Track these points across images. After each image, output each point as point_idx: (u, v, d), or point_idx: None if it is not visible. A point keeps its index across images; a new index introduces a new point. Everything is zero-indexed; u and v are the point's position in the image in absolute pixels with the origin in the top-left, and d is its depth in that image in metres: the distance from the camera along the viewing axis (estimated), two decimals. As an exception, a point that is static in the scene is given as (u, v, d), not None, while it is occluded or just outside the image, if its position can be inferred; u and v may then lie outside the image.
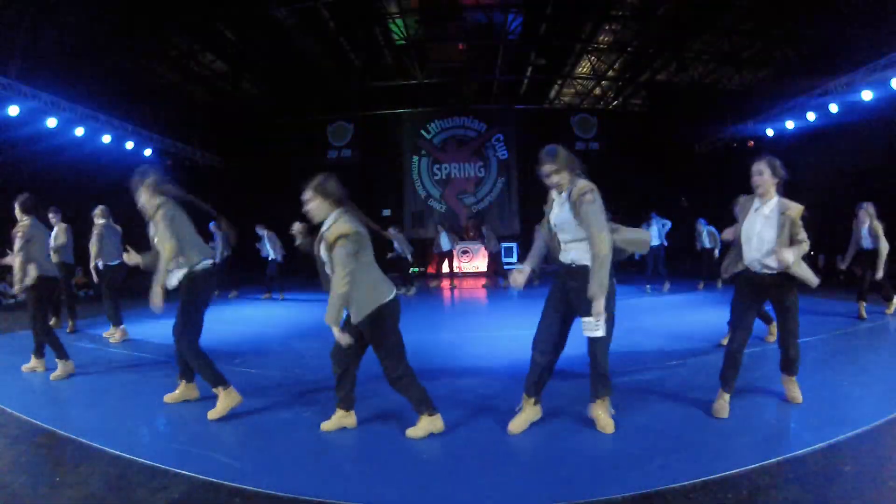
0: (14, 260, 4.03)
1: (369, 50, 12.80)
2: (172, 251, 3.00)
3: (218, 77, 13.67)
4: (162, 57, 12.07)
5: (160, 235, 3.03)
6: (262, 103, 15.37)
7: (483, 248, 10.85)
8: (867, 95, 8.57)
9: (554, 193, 2.78)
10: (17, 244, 4.05)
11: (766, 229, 2.90)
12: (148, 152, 11.39)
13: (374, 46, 12.61)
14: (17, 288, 4.09)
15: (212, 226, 8.99)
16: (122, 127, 10.44)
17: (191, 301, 3.14)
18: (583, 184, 2.62)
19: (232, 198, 15.15)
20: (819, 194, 11.83)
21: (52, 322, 6.01)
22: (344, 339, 2.52)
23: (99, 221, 5.81)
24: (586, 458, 2.40)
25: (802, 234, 2.82)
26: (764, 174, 2.97)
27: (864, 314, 5.58)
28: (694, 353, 4.33)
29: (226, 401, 3.00)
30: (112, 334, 5.55)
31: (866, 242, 5.66)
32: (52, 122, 8.71)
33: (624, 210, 14.94)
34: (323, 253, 2.62)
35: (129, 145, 10.67)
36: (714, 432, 2.64)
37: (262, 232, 9.28)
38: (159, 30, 10.70)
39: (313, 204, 2.65)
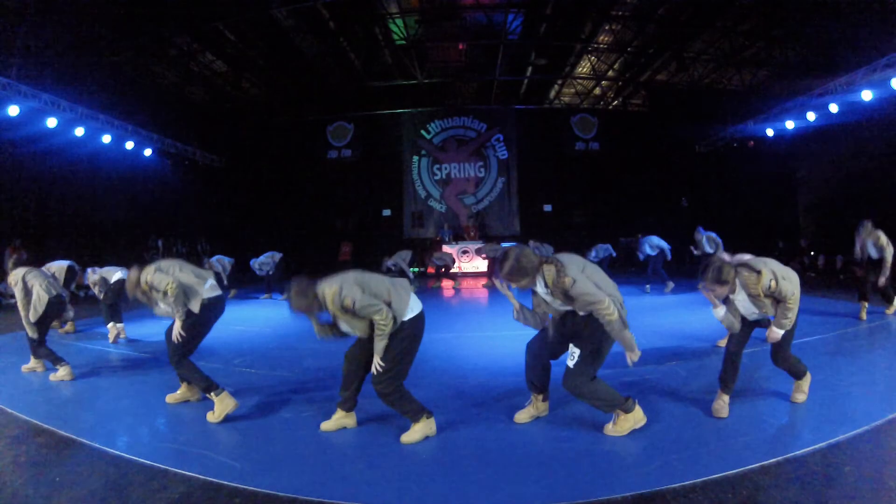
0: (20, 307, 4.02)
1: (369, 50, 12.80)
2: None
3: (218, 77, 13.68)
4: (162, 57, 12.07)
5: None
6: (262, 103, 15.38)
7: (483, 254, 10.96)
8: (867, 95, 8.57)
9: (535, 288, 2.67)
10: (18, 295, 4.04)
11: (749, 308, 2.88)
12: (148, 152, 11.39)
13: (374, 46, 12.62)
14: (28, 323, 4.04)
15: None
16: (122, 127, 10.44)
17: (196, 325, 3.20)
18: (549, 270, 2.49)
19: (232, 198, 15.21)
20: (819, 194, 11.87)
21: (66, 327, 6.05)
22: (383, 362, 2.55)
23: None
24: (586, 458, 2.40)
25: (787, 293, 2.72)
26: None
27: (865, 315, 5.58)
28: (694, 353, 4.33)
29: (221, 406, 2.99)
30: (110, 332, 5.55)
31: (874, 252, 5.68)
32: (52, 122, 8.71)
33: (623, 210, 14.99)
34: (343, 325, 2.67)
35: (129, 145, 10.67)
36: (714, 432, 2.64)
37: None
38: (159, 30, 10.69)
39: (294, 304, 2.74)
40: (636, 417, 2.62)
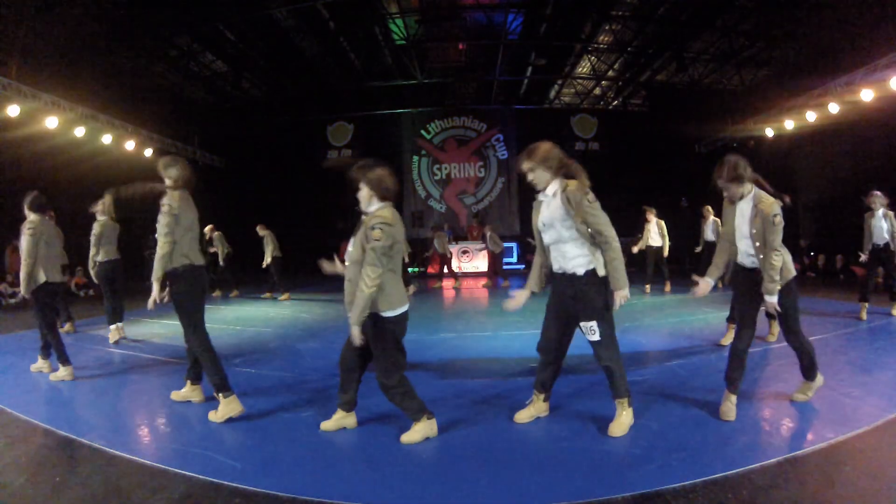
0: (22, 261, 3.93)
1: (369, 50, 12.80)
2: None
3: (218, 77, 13.68)
4: (162, 57, 12.08)
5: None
6: (262, 103, 15.39)
7: (486, 249, 10.99)
8: (867, 95, 8.56)
9: (540, 196, 2.69)
10: (28, 243, 3.93)
11: (742, 224, 2.91)
12: (148, 152, 11.39)
13: (373, 46, 12.62)
14: (24, 290, 3.97)
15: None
16: (123, 127, 10.44)
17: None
18: (574, 184, 2.54)
19: (232, 198, 15.21)
20: (819, 194, 11.87)
21: (66, 327, 6.00)
22: (358, 338, 2.51)
23: (101, 218, 5.70)
24: (586, 458, 2.40)
25: (776, 239, 2.74)
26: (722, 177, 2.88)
27: (865, 315, 5.57)
28: (694, 352, 4.34)
29: (226, 408, 2.99)
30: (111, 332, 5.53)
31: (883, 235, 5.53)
32: (52, 122, 8.71)
33: (623, 210, 15.00)
34: (357, 246, 2.58)
35: (130, 145, 10.67)
36: (714, 432, 2.64)
37: (263, 233, 9.26)
38: (159, 30, 10.69)
39: (362, 193, 2.66)
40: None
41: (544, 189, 2.64)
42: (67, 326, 6.08)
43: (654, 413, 2.94)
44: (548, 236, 2.66)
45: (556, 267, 2.69)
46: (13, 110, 7.94)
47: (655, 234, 8.66)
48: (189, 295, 3.11)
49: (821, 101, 9.64)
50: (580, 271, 2.56)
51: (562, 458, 2.42)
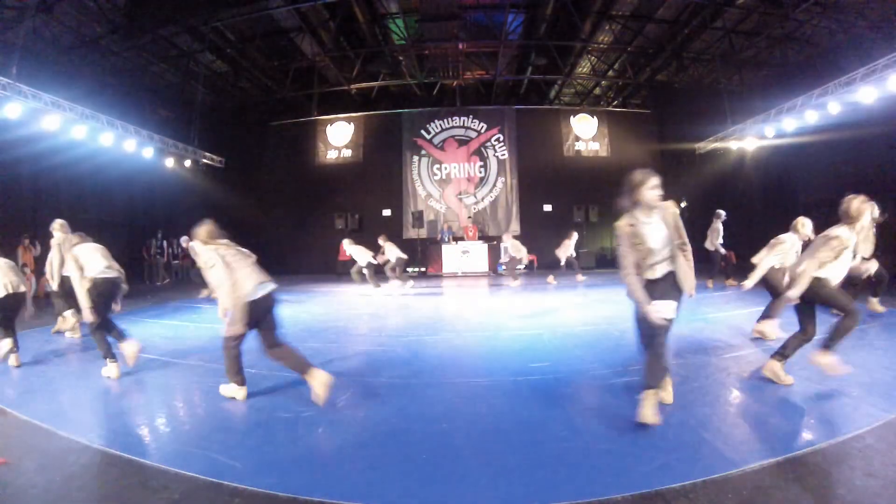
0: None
1: (369, 50, 12.80)
2: None
3: (218, 77, 13.68)
4: (162, 57, 12.08)
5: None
6: (262, 103, 15.38)
7: (508, 254, 11.09)
8: (867, 95, 8.56)
9: (640, 216, 2.81)
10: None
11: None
12: (148, 152, 11.39)
13: (374, 46, 12.62)
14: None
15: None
16: (123, 127, 10.44)
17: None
18: (672, 205, 2.87)
19: (232, 198, 15.21)
20: (819, 194, 11.86)
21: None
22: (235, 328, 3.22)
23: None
24: (586, 458, 2.40)
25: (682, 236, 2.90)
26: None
27: (880, 307, 5.63)
28: (694, 353, 4.33)
29: (110, 370, 3.84)
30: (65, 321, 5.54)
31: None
32: (52, 122, 8.71)
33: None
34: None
35: (130, 145, 10.67)
36: (714, 432, 2.64)
37: None
38: (159, 30, 10.70)
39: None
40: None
41: (648, 212, 2.81)
42: (66, 325, 6.07)
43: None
44: (658, 256, 2.82)
45: (659, 274, 2.84)
46: (13, 110, 7.94)
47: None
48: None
49: (821, 101, 9.64)
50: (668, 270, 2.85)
51: (562, 458, 2.42)
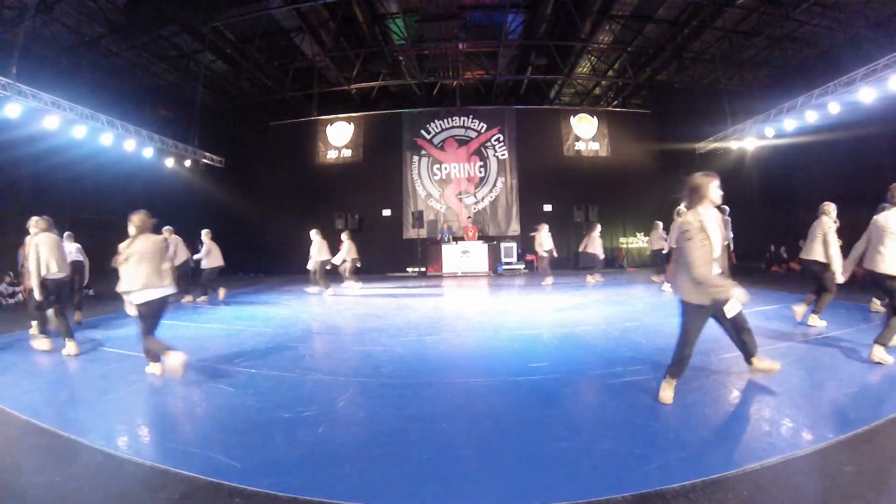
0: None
1: (369, 50, 12.80)
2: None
3: (218, 77, 13.68)
4: (162, 57, 12.08)
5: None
6: (262, 103, 15.38)
7: (539, 250, 11.04)
8: (867, 95, 8.56)
9: (716, 216, 2.98)
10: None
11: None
12: (148, 152, 11.39)
13: (374, 46, 12.61)
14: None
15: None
16: (123, 127, 10.44)
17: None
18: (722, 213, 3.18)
19: (232, 198, 15.21)
20: (819, 194, 11.86)
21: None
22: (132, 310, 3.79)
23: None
24: (586, 458, 2.40)
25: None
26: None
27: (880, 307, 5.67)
28: (694, 352, 4.32)
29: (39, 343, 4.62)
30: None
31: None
32: (52, 122, 8.71)
33: (623, 210, 14.94)
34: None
35: (130, 145, 10.67)
36: (714, 432, 2.64)
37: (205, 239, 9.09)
38: (159, 30, 10.69)
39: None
40: None
41: (708, 211, 3.00)
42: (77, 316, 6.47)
43: (654, 413, 2.94)
44: (717, 250, 2.96)
45: (715, 271, 3.00)
46: (13, 110, 7.94)
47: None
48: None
49: (821, 101, 9.64)
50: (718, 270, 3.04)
51: (562, 458, 2.42)
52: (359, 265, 10.91)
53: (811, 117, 10.12)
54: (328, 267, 10.03)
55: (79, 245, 7.15)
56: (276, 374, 4.02)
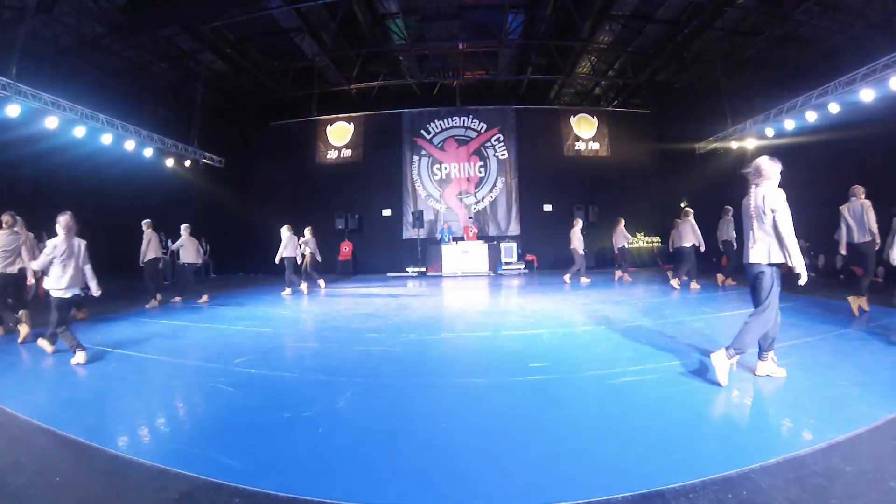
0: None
1: (369, 50, 12.80)
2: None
3: (218, 77, 13.68)
4: (162, 57, 12.08)
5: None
6: (262, 103, 15.38)
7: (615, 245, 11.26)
8: (867, 95, 8.56)
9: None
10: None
11: None
12: (148, 152, 11.39)
13: (374, 46, 12.61)
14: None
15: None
16: (123, 127, 10.44)
17: None
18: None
19: (232, 198, 15.22)
20: (818, 194, 11.85)
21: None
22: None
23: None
24: (586, 458, 2.40)
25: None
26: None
27: (864, 307, 5.67)
28: (694, 353, 4.33)
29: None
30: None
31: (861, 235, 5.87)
32: (52, 122, 8.71)
33: (623, 210, 14.96)
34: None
35: (130, 145, 10.67)
36: (714, 432, 2.64)
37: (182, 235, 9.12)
38: (159, 30, 10.69)
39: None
40: None
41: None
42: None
43: (654, 413, 2.94)
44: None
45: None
46: (13, 110, 7.94)
47: (689, 234, 9.16)
48: None
49: (821, 101, 9.64)
50: None
51: (563, 457, 2.42)
52: (318, 259, 11.01)
53: (811, 117, 10.12)
54: (299, 262, 10.16)
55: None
56: (276, 374, 4.02)
